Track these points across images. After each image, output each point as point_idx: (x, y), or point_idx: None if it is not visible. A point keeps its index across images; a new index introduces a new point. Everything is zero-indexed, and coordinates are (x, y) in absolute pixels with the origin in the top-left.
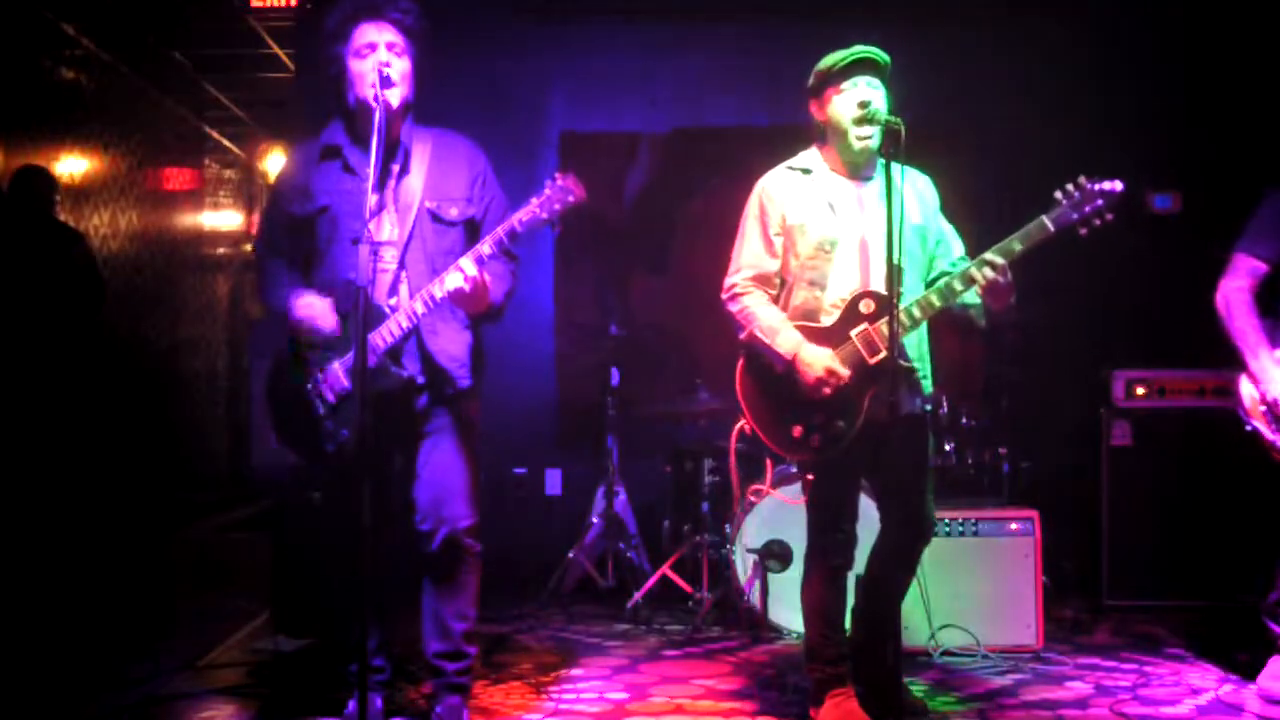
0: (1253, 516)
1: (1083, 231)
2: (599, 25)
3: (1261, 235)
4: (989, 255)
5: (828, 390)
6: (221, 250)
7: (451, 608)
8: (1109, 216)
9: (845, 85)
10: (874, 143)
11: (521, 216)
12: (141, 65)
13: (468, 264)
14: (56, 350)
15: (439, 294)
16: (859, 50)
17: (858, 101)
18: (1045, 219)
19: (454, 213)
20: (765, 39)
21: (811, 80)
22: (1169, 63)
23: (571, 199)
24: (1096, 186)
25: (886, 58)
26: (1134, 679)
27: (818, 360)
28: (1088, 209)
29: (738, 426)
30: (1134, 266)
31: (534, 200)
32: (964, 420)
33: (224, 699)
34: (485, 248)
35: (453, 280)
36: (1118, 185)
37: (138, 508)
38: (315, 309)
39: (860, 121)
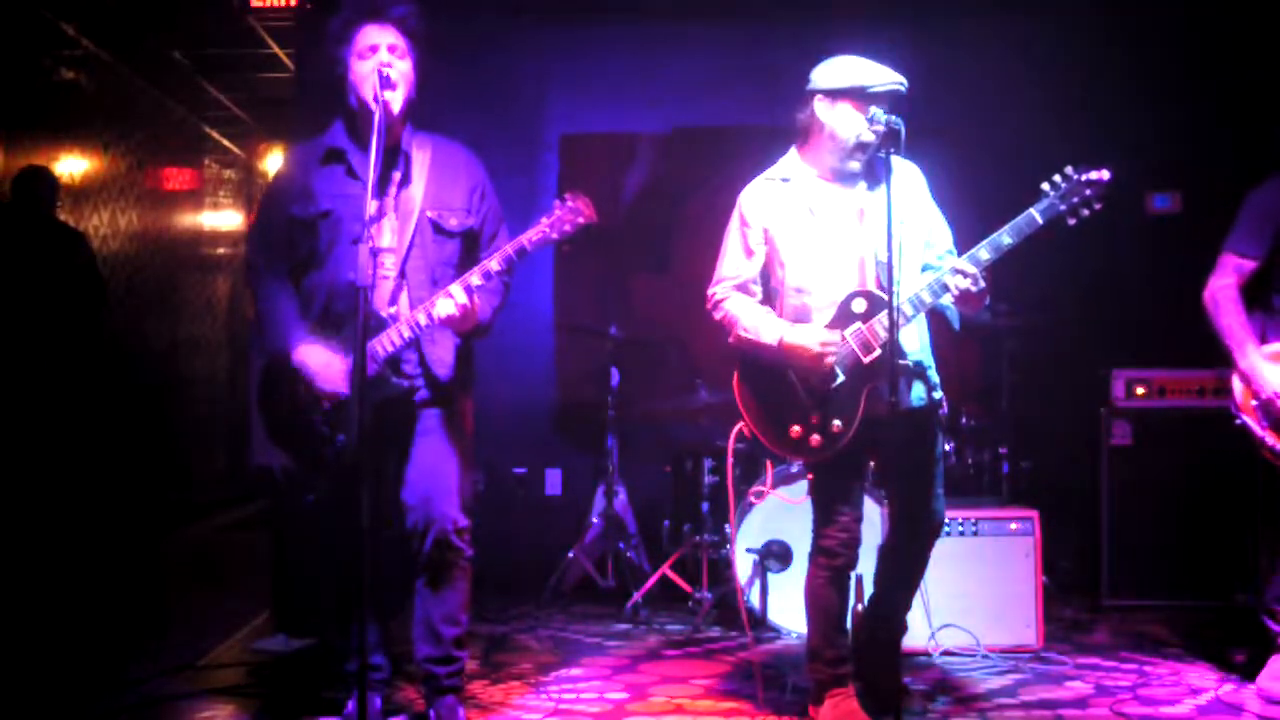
0: (1252, 516)
1: (1071, 221)
2: (599, 25)
3: (1245, 234)
4: (960, 263)
5: (830, 360)
6: (221, 250)
7: (442, 613)
8: (1097, 206)
9: (871, 109)
10: (873, 144)
11: (532, 236)
12: (141, 65)
13: (459, 291)
14: (57, 350)
15: (424, 321)
16: (898, 81)
17: (876, 131)
18: (1033, 211)
19: (454, 223)
20: (765, 39)
21: (835, 81)
22: (1169, 62)
23: (581, 220)
24: (1084, 176)
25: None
26: (1134, 679)
27: (808, 337)
28: (1075, 199)
29: (736, 429)
30: (1134, 267)
31: (544, 220)
32: (964, 420)
33: (224, 699)
34: (494, 264)
35: (444, 307)
36: (1105, 174)
37: (138, 507)
38: (326, 367)
39: (867, 148)
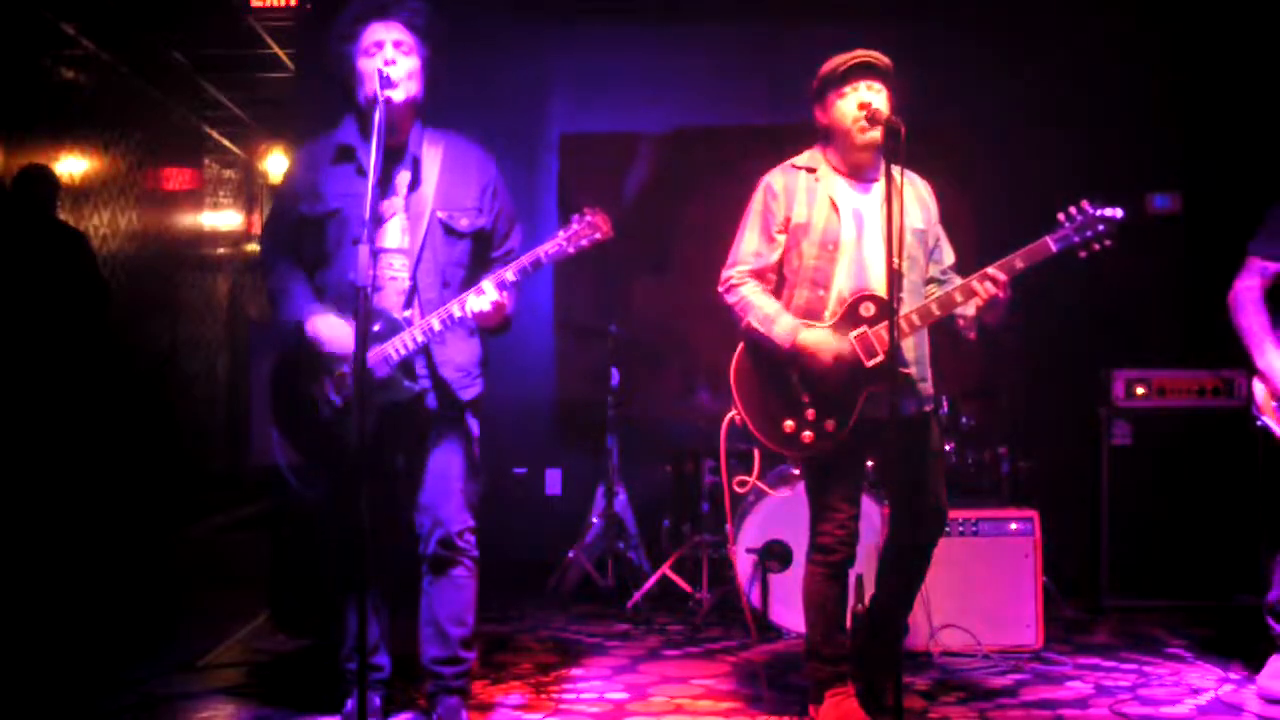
0: (1252, 516)
1: (1082, 255)
2: (599, 25)
3: (1270, 236)
4: (991, 270)
5: (844, 366)
6: (221, 250)
7: (448, 613)
8: (1108, 242)
9: (846, 89)
10: (877, 144)
11: (548, 249)
12: (141, 65)
13: (491, 288)
14: (58, 351)
15: (458, 313)
16: (858, 54)
17: (859, 103)
18: (1049, 240)
19: (464, 223)
20: (765, 39)
21: (815, 85)
22: (1169, 63)
23: (598, 236)
24: (1099, 212)
25: (886, 60)
26: (1134, 679)
27: (823, 342)
28: (1089, 233)
29: (728, 417)
30: (1134, 266)
31: (561, 234)
32: (964, 420)
33: (224, 699)
34: (510, 274)
35: (477, 303)
36: (1118, 212)
37: (138, 508)
38: (336, 331)
39: (862, 124)
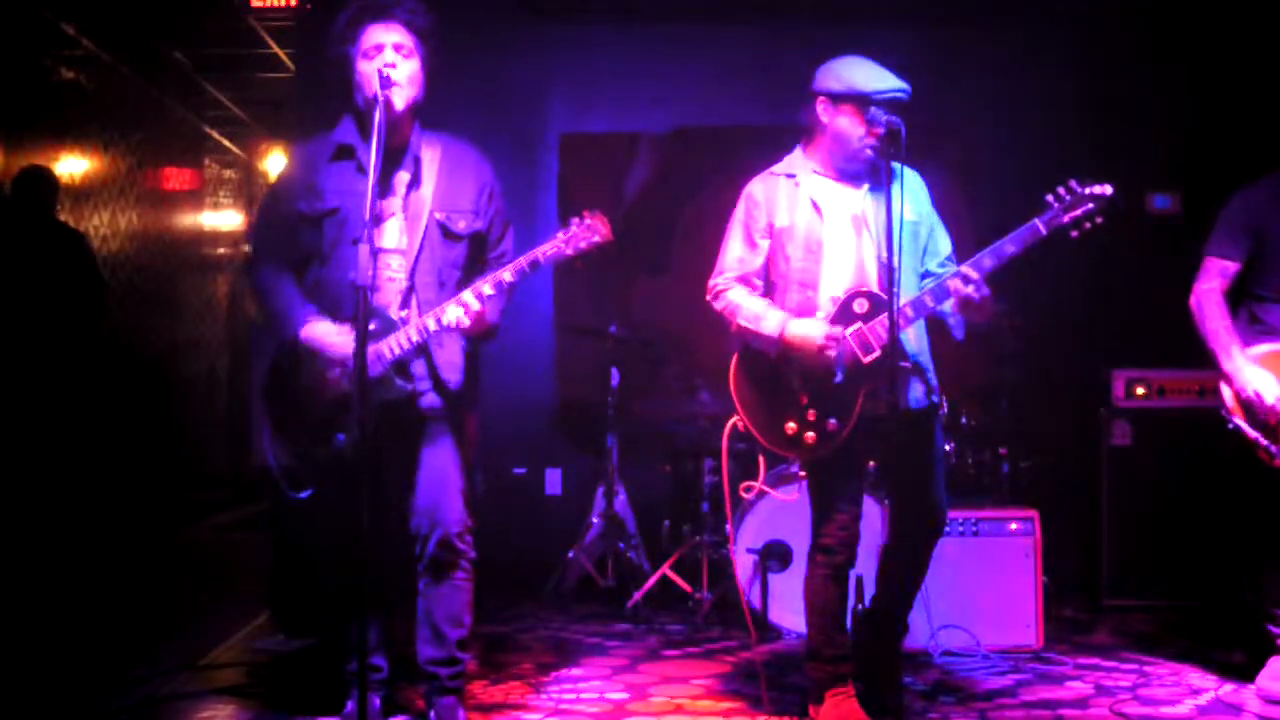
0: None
1: (1074, 234)
2: (599, 25)
3: (1228, 236)
4: (964, 269)
5: (832, 353)
6: (221, 250)
7: (446, 614)
8: (1099, 220)
9: (874, 111)
10: (871, 158)
11: (546, 250)
12: (141, 65)
13: (471, 299)
14: (58, 351)
15: (433, 326)
16: (899, 89)
17: (881, 135)
18: (1037, 221)
19: (462, 225)
20: (765, 39)
21: (837, 85)
22: (1169, 63)
23: (597, 239)
24: (1087, 190)
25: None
26: (1134, 679)
27: (810, 329)
28: (1078, 211)
29: (730, 423)
30: (1134, 266)
31: (560, 235)
32: (964, 420)
33: (224, 699)
34: (507, 275)
35: (454, 314)
36: (1107, 189)
37: (138, 508)
38: (334, 337)
39: (874, 150)
